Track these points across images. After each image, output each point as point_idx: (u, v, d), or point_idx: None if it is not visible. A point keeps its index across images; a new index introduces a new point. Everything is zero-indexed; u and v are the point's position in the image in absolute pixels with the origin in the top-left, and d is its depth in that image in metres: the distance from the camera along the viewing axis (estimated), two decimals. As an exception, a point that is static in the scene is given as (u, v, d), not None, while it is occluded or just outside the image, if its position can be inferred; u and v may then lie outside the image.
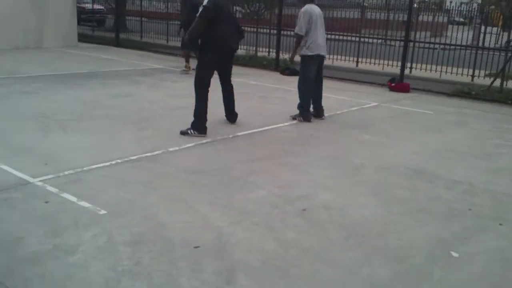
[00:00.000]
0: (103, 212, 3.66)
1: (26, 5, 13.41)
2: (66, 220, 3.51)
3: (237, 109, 6.62)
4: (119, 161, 4.80)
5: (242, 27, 6.63)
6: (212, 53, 5.95)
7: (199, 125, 5.89)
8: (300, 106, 7.02)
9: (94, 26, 19.92)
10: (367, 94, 9.51)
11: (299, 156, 5.35)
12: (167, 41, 16.66)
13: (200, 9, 5.85)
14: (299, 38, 6.90)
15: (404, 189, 4.53)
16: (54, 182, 4.16)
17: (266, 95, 8.86)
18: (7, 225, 3.39)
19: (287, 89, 9.54)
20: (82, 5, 19.95)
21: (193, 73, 6.34)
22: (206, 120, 5.97)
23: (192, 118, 5.95)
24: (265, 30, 13.90)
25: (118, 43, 16.02)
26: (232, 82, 6.57)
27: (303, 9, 6.88)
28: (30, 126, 5.88)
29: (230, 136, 5.96)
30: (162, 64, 12.25)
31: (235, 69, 6.89)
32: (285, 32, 12.74)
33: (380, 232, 3.62)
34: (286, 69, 11.71)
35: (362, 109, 8.12)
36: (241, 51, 14.27)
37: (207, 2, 5.82)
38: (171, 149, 5.28)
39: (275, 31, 12.98)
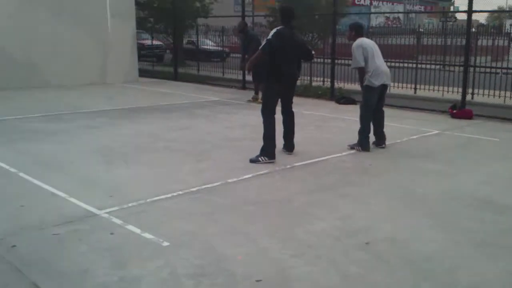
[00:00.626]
0: (165, 243, 3.72)
1: (91, 44, 14.17)
2: (130, 251, 3.59)
3: (294, 138, 6.62)
4: (180, 192, 4.89)
5: (311, 49, 6.76)
6: (274, 82, 6.15)
7: (269, 151, 6.09)
8: (360, 133, 6.93)
9: (154, 61, 20.69)
10: (427, 122, 9.26)
11: (359, 187, 5.24)
12: (223, 74, 17.04)
13: (264, 42, 6.09)
14: (360, 71, 6.82)
15: (472, 221, 4.32)
16: (119, 214, 4.28)
17: (322, 124, 8.82)
18: (75, 257, 3.50)
19: (343, 118, 9.46)
20: (142, 41, 20.82)
21: (256, 104, 6.47)
22: (275, 146, 6.16)
23: (256, 148, 6.07)
24: (319, 60, 13.94)
25: (176, 77, 16.54)
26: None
27: (354, 44, 6.84)
28: (96, 159, 6.12)
29: (288, 166, 5.95)
30: (219, 96, 12.50)
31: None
32: (339, 61, 12.72)
33: (449, 267, 3.45)
34: (341, 98, 11.64)
35: (423, 137, 7.90)
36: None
37: (271, 36, 6.02)
38: (230, 181, 5.32)
39: (329, 60, 12.98)
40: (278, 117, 6.44)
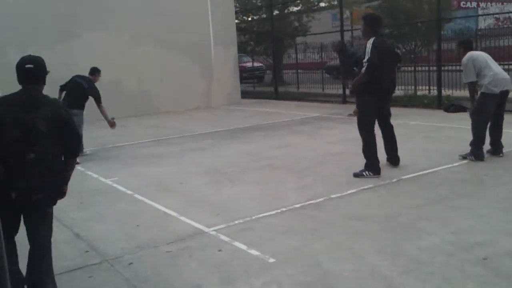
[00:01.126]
0: (271, 260, 3.75)
1: (197, 72, 14.95)
2: (238, 268, 3.66)
3: (399, 151, 6.38)
4: (284, 209, 4.92)
5: (399, 52, 6.44)
6: (370, 96, 5.92)
7: (373, 167, 5.93)
8: (472, 143, 6.50)
9: (255, 82, 21.24)
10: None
11: (473, 199, 4.90)
12: (323, 89, 17.00)
13: (366, 64, 5.76)
14: (471, 86, 6.45)
15: None
16: (226, 231, 4.40)
17: (429, 135, 8.41)
18: (186, 273, 3.65)
19: (453, 127, 8.96)
20: (243, 64, 21.50)
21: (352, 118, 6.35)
22: (378, 161, 5.98)
23: (358, 162, 5.97)
24: (424, 68, 13.39)
25: (277, 96, 16.81)
26: (392, 123, 6.39)
27: (463, 59, 6.44)
28: (203, 180, 6.37)
29: (394, 180, 5.74)
30: (319, 112, 12.47)
31: (394, 111, 6.70)
32: (446, 68, 12.11)
33: None
34: (450, 106, 11.04)
35: (546, 143, 7.21)
36: (398, 91, 13.92)
37: (370, 53, 5.72)
38: (333, 196, 5.25)
39: (435, 68, 12.41)
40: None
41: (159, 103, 14.31)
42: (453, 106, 10.96)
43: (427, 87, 13.27)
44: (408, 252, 3.72)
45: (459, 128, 8.84)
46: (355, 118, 6.64)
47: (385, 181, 5.69)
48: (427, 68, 13.66)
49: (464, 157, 6.49)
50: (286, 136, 9.18)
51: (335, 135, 8.93)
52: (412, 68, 14.07)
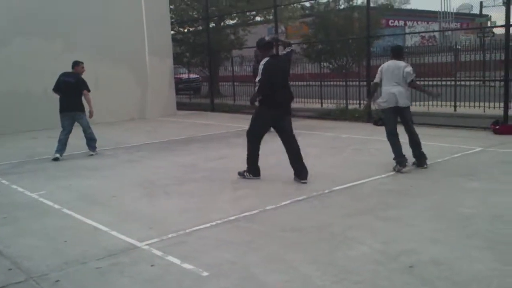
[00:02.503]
0: (205, 273, 3.71)
1: (131, 82, 14.65)
2: (171, 282, 3.60)
3: (332, 163, 6.57)
4: (218, 221, 4.90)
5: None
6: (266, 108, 6.48)
7: (252, 171, 6.68)
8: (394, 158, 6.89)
9: (191, 94, 21.13)
10: (469, 139, 9.01)
11: (400, 209, 5.12)
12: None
13: (258, 85, 6.38)
14: (373, 86, 7.38)
15: (522, 240, 4.13)
16: (159, 245, 4.32)
17: (360, 147, 8.71)
18: (117, 289, 3.54)
19: (381, 140, 9.30)
20: (179, 76, 21.34)
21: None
22: (257, 167, 6.69)
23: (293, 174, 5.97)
24: (354, 83, 13.88)
25: (213, 108, 16.81)
26: (321, 136, 6.59)
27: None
28: (137, 192, 6.23)
29: (326, 191, 5.88)
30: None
31: (327, 124, 6.88)
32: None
33: (499, 288, 3.29)
34: (379, 120, 11.49)
35: (466, 155, 7.68)
36: (331, 105, 14.35)
37: (262, 76, 6.31)
38: (268, 208, 5.30)
39: (365, 83, 12.91)
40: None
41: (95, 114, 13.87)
42: (381, 120, 11.38)
43: (358, 101, 13.75)
44: (339, 262, 3.82)
45: (386, 141, 9.22)
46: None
47: (317, 192, 5.82)
48: (357, 83, 14.17)
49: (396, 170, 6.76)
50: (222, 148, 9.18)
51: (270, 148, 9.00)
52: (344, 83, 14.54)
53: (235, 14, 22.36)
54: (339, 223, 4.74)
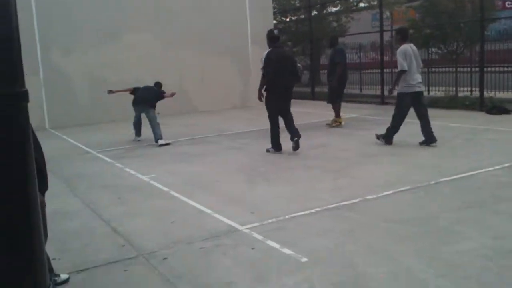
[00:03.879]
0: (304, 259, 3.73)
1: (234, 71, 15.07)
2: (270, 266, 3.67)
3: (439, 153, 6.26)
4: (318, 209, 4.89)
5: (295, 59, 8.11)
6: (270, 94, 7.69)
7: (274, 145, 7.76)
8: (388, 129, 7.81)
9: (292, 83, 21.17)
10: None
11: (515, 203, 4.75)
12: (361, 90, 16.80)
13: (262, 72, 7.69)
14: (400, 74, 7.56)
15: None
16: (260, 230, 4.41)
17: (471, 137, 8.19)
18: (219, 270, 3.68)
19: (496, 129, 8.69)
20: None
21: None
22: (278, 142, 7.75)
23: (395, 163, 5.78)
24: (466, 69, 13.05)
25: (313, 96, 16.72)
26: (432, 126, 6.37)
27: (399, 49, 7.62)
28: (238, 178, 6.41)
29: (433, 182, 5.62)
30: (356, 112, 12.34)
31: (434, 112, 6.57)
32: (488, 69, 11.77)
33: None
34: (493, 108, 10.73)
35: None
36: (439, 92, 13.61)
37: (264, 64, 7.60)
38: (369, 197, 5.19)
39: (477, 69, 12.07)
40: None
41: (198, 103, 14.51)
42: (495, 108, 10.64)
43: (469, 89, 12.91)
44: (445, 256, 3.64)
45: (501, 130, 8.58)
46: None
47: (422, 184, 5.58)
48: (469, 69, 13.30)
49: (378, 137, 7.86)
50: (323, 137, 9.12)
51: (370, 137, 8.79)
52: (454, 69, 13.73)
53: (338, 1, 21.97)
54: (446, 216, 4.51)
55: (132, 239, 4.39)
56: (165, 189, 6.04)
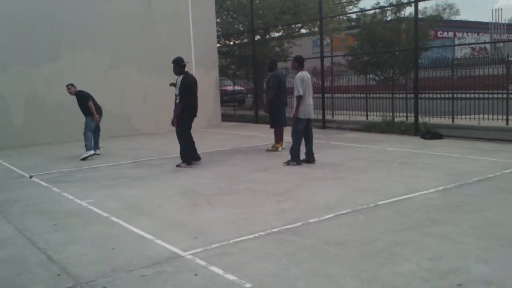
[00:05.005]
0: (248, 285, 3.71)
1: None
2: (213, 293, 3.62)
3: (378, 176, 6.46)
4: (261, 233, 4.90)
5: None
6: (186, 117, 8.69)
7: (186, 159, 8.71)
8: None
9: (236, 106, 21.32)
10: (522, 154, 8.65)
11: (449, 225, 4.96)
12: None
13: (178, 98, 8.61)
14: (298, 99, 8.33)
15: None
16: (203, 255, 4.35)
17: (406, 161, 8.52)
18: (161, 297, 3.59)
19: (430, 154, 9.10)
20: (224, 87, 21.59)
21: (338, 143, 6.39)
22: (190, 155, 8.75)
23: (337, 187, 5.89)
24: (401, 95, 13.64)
25: (257, 119, 16.89)
26: (366, 149, 6.50)
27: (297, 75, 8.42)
28: (181, 202, 6.33)
29: (371, 205, 5.78)
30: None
31: (372, 137, 6.78)
32: (422, 95, 12.36)
33: (556, 312, 3.13)
34: (427, 133, 11.24)
35: (518, 171, 7.38)
36: (377, 117, 14.13)
37: (180, 90, 8.55)
38: (311, 220, 5.26)
39: (412, 95, 12.65)
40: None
41: (140, 125, 14.28)
42: (429, 133, 11.16)
43: (405, 114, 13.49)
44: (384, 278, 3.73)
45: (435, 154, 9.00)
46: (336, 143, 6.77)
47: (362, 206, 5.73)
48: (404, 96, 13.91)
49: (287, 163, 8.38)
50: (265, 160, 9.20)
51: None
52: (390, 95, 14.32)
53: (280, 27, 22.48)
54: (385, 238, 4.64)
55: (69, 268, 4.21)
56: (105, 214, 5.86)
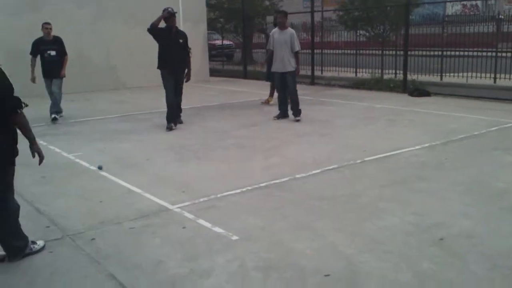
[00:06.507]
0: (235, 237, 3.78)
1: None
2: (201, 245, 3.68)
3: (365, 133, 6.51)
4: (249, 188, 4.95)
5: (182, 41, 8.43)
6: (162, 69, 8.27)
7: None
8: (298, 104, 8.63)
9: (224, 61, 21.04)
10: (508, 112, 8.74)
11: (433, 182, 5.05)
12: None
13: None
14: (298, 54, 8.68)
15: (558, 217, 4.03)
16: (191, 209, 4.41)
17: (394, 118, 8.57)
18: (148, 250, 3.65)
19: (416, 111, 9.14)
20: (213, 42, 21.21)
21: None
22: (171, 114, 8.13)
23: (324, 143, 5.93)
24: (391, 52, 13.55)
25: (246, 75, 16.74)
26: (354, 106, 6.53)
27: (293, 30, 8.71)
28: (169, 157, 6.34)
29: (358, 161, 5.84)
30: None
31: (361, 93, 6.78)
32: (412, 53, 12.29)
33: (532, 264, 3.25)
34: (414, 90, 11.26)
35: (504, 129, 7.47)
36: (366, 74, 14.09)
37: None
38: (298, 176, 5.31)
39: (401, 52, 12.57)
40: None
41: (126, 78, 14.05)
42: (417, 91, 11.17)
43: (394, 71, 13.45)
44: (368, 232, 3.82)
45: (422, 112, 9.05)
46: (324, 99, 6.76)
47: (349, 162, 5.79)
48: (394, 52, 13.81)
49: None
50: (254, 116, 9.18)
51: (302, 116, 8.97)
52: (380, 52, 14.21)
53: (271, -21, 21.99)
54: (370, 193, 4.72)
55: (57, 220, 4.24)
56: (92, 168, 5.86)
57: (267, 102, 10.45)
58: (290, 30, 8.64)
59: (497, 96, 10.33)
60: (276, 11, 9.64)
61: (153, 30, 8.05)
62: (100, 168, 5.69)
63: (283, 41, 8.48)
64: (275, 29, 8.78)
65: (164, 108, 8.24)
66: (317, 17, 16.81)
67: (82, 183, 5.33)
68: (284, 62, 8.52)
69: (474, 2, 31.73)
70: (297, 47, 8.55)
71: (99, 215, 4.34)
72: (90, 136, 7.70)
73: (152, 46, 8.70)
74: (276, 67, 8.69)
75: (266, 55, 10.17)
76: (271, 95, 10.46)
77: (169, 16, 7.99)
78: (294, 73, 8.61)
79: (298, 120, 8.43)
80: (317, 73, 14.85)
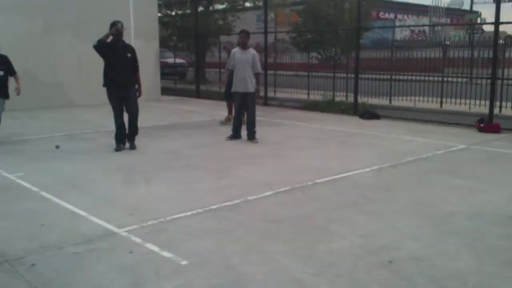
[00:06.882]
0: (184, 262, 3.67)
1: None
2: (149, 270, 3.55)
3: (316, 155, 6.56)
4: (199, 210, 4.85)
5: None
6: (108, 88, 8.08)
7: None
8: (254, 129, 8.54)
9: (176, 79, 20.90)
10: (453, 136, 9.06)
11: (382, 204, 5.12)
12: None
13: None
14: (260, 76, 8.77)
15: (500, 239, 4.16)
16: (138, 233, 4.25)
17: (345, 140, 8.70)
18: (92, 276, 3.48)
19: (367, 134, 9.33)
20: (165, 60, 21.06)
21: (278, 120, 6.39)
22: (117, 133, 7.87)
23: (277, 165, 5.91)
24: (342, 75, 13.85)
25: (198, 94, 16.66)
26: (306, 128, 6.59)
27: (255, 52, 8.74)
28: (117, 178, 6.14)
29: (310, 183, 5.86)
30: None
31: (312, 115, 6.85)
32: (363, 76, 12.61)
33: (476, 286, 3.31)
34: (365, 113, 11.52)
35: (449, 152, 7.71)
36: (318, 96, 14.32)
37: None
38: (250, 198, 5.26)
39: (352, 75, 12.88)
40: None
41: (74, 95, 13.66)
42: (367, 114, 11.43)
43: (345, 94, 13.74)
44: (320, 255, 3.80)
45: (372, 135, 9.24)
46: (278, 121, 6.78)
47: (300, 184, 5.79)
48: (345, 75, 14.14)
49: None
50: (205, 136, 9.10)
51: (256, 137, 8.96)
52: (332, 74, 14.51)
53: (224, -1, 22.19)
54: (321, 215, 4.72)
55: (-6, 245, 3.99)
56: (35, 189, 5.59)
57: (228, 120, 10.40)
58: (252, 50, 8.62)
59: (443, 120, 10.70)
60: (240, 31, 9.55)
61: (100, 47, 7.74)
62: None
63: (245, 61, 8.42)
64: (236, 49, 8.77)
65: (113, 127, 8.02)
66: (271, 38, 17.02)
67: (24, 205, 5.06)
68: (246, 83, 8.41)
69: (422, 28, 33.14)
70: (259, 68, 8.55)
71: (40, 239, 4.12)
72: (33, 155, 7.39)
73: (101, 65, 8.49)
74: (238, 87, 8.54)
75: (225, 74, 10.15)
76: (230, 112, 10.43)
77: (118, 33, 7.73)
78: (254, 94, 8.56)
79: (256, 142, 8.31)
80: (270, 94, 14.97)
